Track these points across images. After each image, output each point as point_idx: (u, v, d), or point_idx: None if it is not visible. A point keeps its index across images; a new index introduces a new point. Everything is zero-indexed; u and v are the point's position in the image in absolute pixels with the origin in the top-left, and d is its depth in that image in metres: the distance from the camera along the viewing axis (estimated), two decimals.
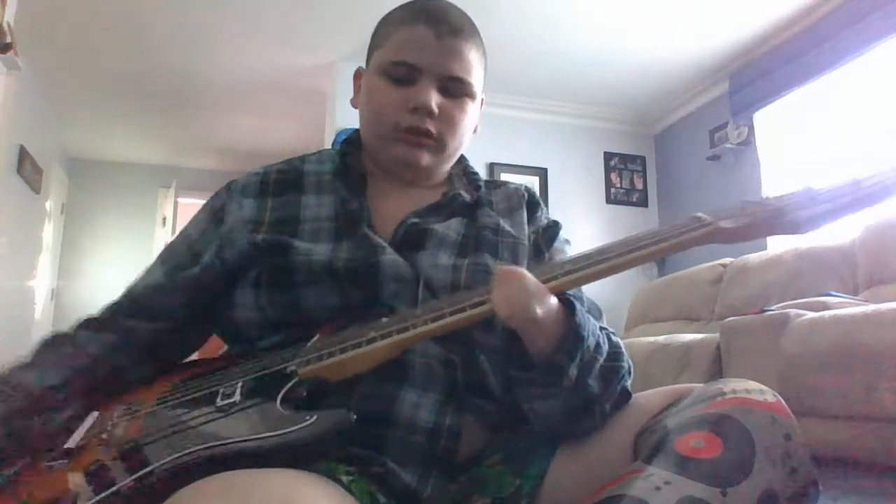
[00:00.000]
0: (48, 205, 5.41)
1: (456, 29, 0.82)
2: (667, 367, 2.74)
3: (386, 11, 0.89)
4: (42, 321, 5.31)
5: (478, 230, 0.83)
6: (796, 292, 2.94)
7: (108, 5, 3.63)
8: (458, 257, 0.78)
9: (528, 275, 0.64)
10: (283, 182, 0.84)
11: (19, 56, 3.26)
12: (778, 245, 3.55)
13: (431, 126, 0.82)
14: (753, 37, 3.90)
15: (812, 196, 0.67)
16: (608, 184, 4.92)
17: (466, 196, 0.87)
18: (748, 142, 4.08)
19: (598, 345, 0.68)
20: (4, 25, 2.97)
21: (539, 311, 0.63)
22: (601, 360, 0.68)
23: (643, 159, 5.05)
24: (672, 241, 0.66)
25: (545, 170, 4.70)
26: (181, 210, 5.83)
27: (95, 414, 0.71)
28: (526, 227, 0.87)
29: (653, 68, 4.29)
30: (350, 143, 0.91)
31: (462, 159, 0.93)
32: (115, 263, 5.77)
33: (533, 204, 0.91)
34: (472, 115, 0.86)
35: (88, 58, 4.23)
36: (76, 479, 0.59)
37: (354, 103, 0.91)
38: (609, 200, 4.89)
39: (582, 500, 0.60)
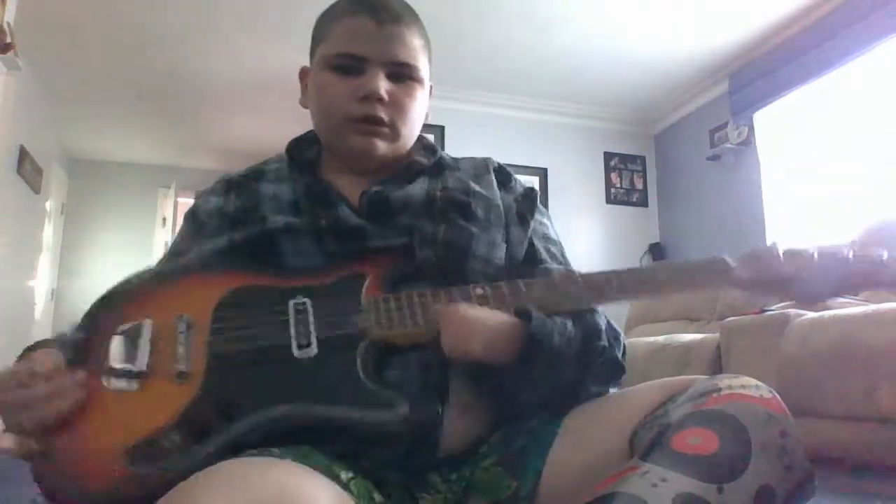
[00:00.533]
0: (48, 205, 5.41)
1: (396, 15, 0.83)
2: (667, 367, 2.74)
3: None
4: (42, 321, 5.31)
5: (446, 191, 0.85)
6: None
7: (108, 5, 3.64)
8: (432, 223, 0.80)
9: (469, 312, 0.69)
10: (243, 180, 0.88)
11: (19, 56, 3.27)
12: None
13: (383, 113, 0.82)
14: (753, 37, 3.90)
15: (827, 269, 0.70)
16: (608, 184, 4.92)
17: (423, 160, 0.89)
18: (748, 142, 4.08)
19: (568, 339, 0.70)
20: (4, 25, 2.98)
21: (479, 347, 0.67)
22: (572, 350, 0.71)
23: (643, 159, 5.05)
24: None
25: (545, 170, 4.70)
26: (181, 210, 5.83)
27: (149, 323, 0.71)
28: (496, 190, 0.88)
29: (653, 68, 4.29)
30: (300, 141, 0.92)
31: (420, 138, 0.93)
32: (115, 263, 5.78)
33: (503, 174, 0.92)
34: (421, 100, 0.87)
35: (88, 58, 4.23)
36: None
37: (303, 103, 0.92)
38: (609, 200, 4.89)
39: (580, 497, 0.60)
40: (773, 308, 2.44)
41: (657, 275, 0.74)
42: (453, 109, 4.40)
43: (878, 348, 1.86)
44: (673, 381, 0.68)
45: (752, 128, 4.07)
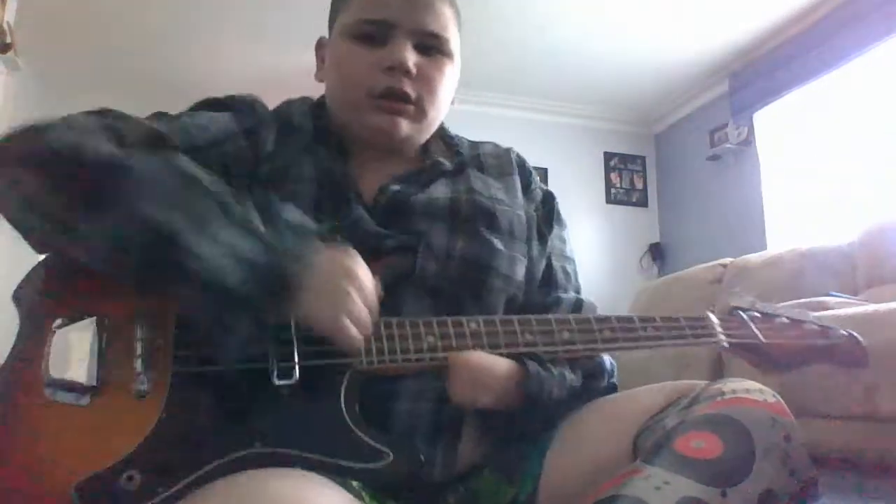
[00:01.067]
0: None
1: None
2: (667, 367, 2.74)
3: None
4: None
5: (468, 194, 0.78)
6: (796, 292, 2.93)
7: (109, 5, 3.63)
8: (450, 232, 0.74)
9: (480, 362, 0.66)
10: (284, 131, 0.79)
11: (19, 56, 3.26)
12: (778, 245, 3.55)
13: (409, 88, 0.75)
14: (753, 37, 3.89)
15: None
16: (608, 184, 4.92)
17: (447, 163, 0.81)
18: (748, 142, 4.08)
19: (569, 388, 0.71)
20: (4, 25, 2.97)
21: (489, 399, 0.66)
22: (574, 394, 0.72)
23: (643, 159, 5.04)
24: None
25: (545, 170, 4.69)
26: None
27: (97, 322, 0.61)
28: (520, 195, 0.83)
29: (653, 68, 4.28)
30: (320, 108, 0.83)
31: (441, 128, 0.87)
32: None
33: (525, 173, 0.87)
34: (450, 77, 0.79)
35: (88, 57, 4.22)
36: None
37: (319, 78, 0.83)
38: (609, 200, 4.88)
39: (581, 499, 0.60)
40: None
41: (647, 331, 0.73)
42: (452, 109, 4.36)
43: (878, 348, 1.86)
44: (677, 385, 0.68)
45: (752, 128, 4.07)
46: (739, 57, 4.09)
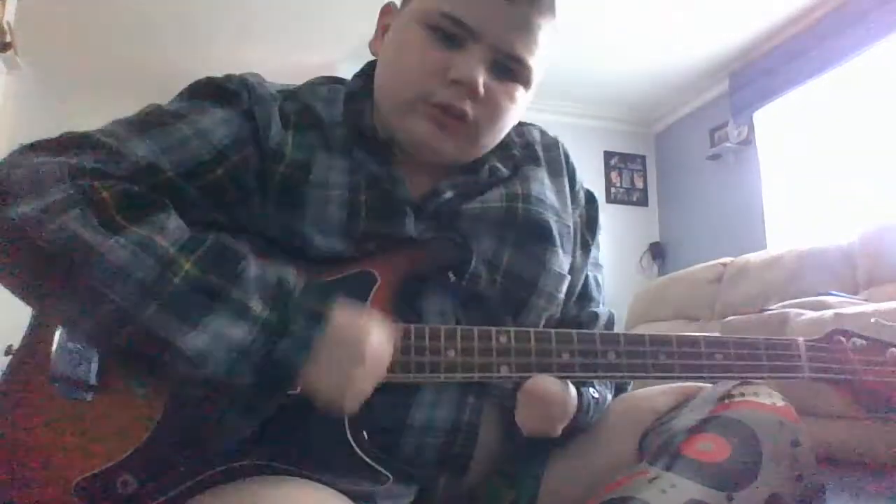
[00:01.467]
0: None
1: None
2: None
3: None
4: None
5: (525, 202, 0.72)
6: (796, 292, 2.94)
7: (109, 5, 3.63)
8: (499, 243, 0.69)
9: (550, 390, 0.62)
10: (300, 120, 0.69)
11: (19, 56, 3.26)
12: (778, 245, 3.55)
13: (470, 108, 0.65)
14: (753, 37, 3.89)
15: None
16: (608, 183, 4.92)
17: (504, 170, 0.73)
18: (748, 141, 4.08)
19: (605, 406, 0.72)
20: (4, 25, 2.97)
21: (559, 428, 0.65)
22: (602, 412, 0.72)
23: (643, 158, 5.04)
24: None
25: None
26: None
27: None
28: (569, 200, 0.77)
29: (653, 68, 4.28)
30: (355, 100, 0.72)
31: None
32: None
33: (572, 170, 0.80)
34: (521, 106, 0.70)
35: (88, 57, 4.22)
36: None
37: (374, 50, 0.72)
38: (609, 200, 4.88)
39: (585, 500, 0.60)
40: (773, 308, 2.45)
41: (713, 358, 0.64)
42: None
43: None
44: (684, 387, 0.68)
45: (752, 127, 4.07)
46: (739, 57, 4.09)
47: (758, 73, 3.95)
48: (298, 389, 0.55)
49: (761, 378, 0.64)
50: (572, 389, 0.65)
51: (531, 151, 0.78)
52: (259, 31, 3.90)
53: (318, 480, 0.57)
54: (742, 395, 0.61)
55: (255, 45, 4.06)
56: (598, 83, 4.52)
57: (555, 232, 0.72)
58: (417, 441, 0.64)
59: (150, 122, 0.64)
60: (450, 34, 0.64)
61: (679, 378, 0.64)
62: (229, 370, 0.51)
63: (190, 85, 0.69)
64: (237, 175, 0.64)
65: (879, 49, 3.29)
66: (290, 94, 0.71)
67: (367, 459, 0.57)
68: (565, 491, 0.67)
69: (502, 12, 0.64)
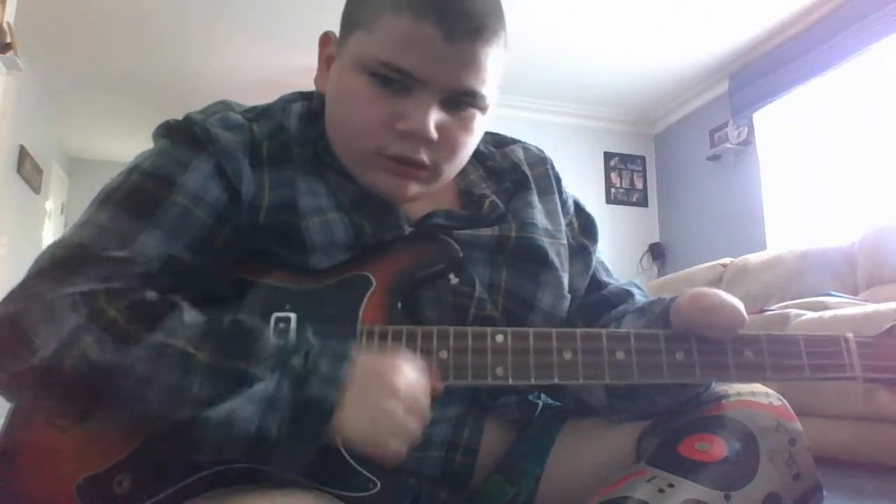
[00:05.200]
0: (48, 205, 5.40)
1: (474, 28, 0.60)
2: None
3: None
4: None
5: (518, 231, 0.71)
6: (796, 292, 2.94)
7: (109, 5, 3.63)
8: (493, 266, 0.69)
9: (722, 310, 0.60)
10: (272, 147, 0.66)
11: (19, 56, 3.26)
12: (778, 245, 3.55)
13: (426, 155, 0.63)
14: (753, 37, 3.89)
15: None
16: (608, 184, 4.92)
17: (502, 206, 0.72)
18: (748, 142, 4.08)
19: None
20: (4, 25, 2.97)
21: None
22: None
23: (643, 159, 5.04)
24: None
25: None
26: None
27: None
28: (561, 218, 0.76)
29: (653, 68, 4.28)
30: (314, 119, 0.69)
31: (478, 154, 0.76)
32: None
33: (560, 186, 0.79)
34: (478, 131, 0.67)
35: (88, 57, 4.22)
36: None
37: (320, 86, 0.69)
38: (609, 200, 4.88)
39: (583, 501, 0.60)
40: (773, 308, 2.45)
41: (742, 356, 0.61)
42: None
43: None
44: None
45: (752, 128, 4.07)
46: (739, 57, 4.09)
47: (757, 73, 3.95)
48: (338, 440, 0.53)
49: (798, 379, 0.60)
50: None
51: (519, 175, 0.76)
52: (259, 32, 3.90)
53: (307, 486, 0.56)
54: (739, 394, 0.61)
55: (254, 46, 4.06)
56: (598, 84, 4.52)
57: (551, 254, 0.71)
58: (417, 454, 0.62)
59: (143, 201, 0.61)
60: (393, 80, 0.61)
61: (693, 381, 0.60)
62: (261, 421, 0.51)
63: (156, 132, 0.67)
64: (240, 227, 0.64)
65: (879, 49, 3.29)
66: (261, 114, 0.69)
67: (353, 463, 0.55)
68: (564, 490, 0.67)
69: (444, 53, 0.60)
